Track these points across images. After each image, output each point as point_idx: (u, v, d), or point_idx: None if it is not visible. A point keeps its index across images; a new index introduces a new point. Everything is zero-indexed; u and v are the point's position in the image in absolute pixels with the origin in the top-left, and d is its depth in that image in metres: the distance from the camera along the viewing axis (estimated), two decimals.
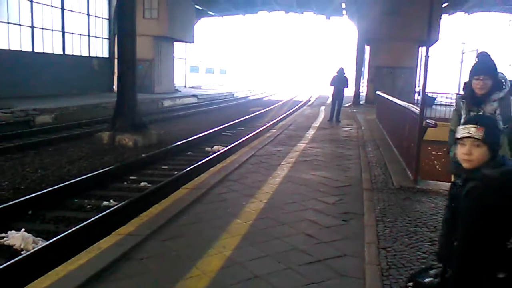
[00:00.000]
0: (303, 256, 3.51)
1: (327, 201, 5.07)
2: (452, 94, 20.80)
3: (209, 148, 10.82)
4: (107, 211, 5.52)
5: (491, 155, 1.69)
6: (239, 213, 4.52)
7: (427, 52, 6.14)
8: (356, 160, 7.66)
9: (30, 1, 19.43)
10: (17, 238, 4.67)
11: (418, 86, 22.77)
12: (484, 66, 3.32)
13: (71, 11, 22.60)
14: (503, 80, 3.33)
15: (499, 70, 3.42)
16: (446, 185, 5.33)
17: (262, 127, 14.61)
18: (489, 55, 3.36)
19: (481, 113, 3.28)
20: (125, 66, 11.43)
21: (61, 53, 21.92)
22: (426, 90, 6.22)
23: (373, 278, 3.13)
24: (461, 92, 3.80)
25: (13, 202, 5.69)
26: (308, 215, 4.54)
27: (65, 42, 22.15)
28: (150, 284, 3.04)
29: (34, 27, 19.82)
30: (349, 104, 21.36)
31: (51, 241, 4.56)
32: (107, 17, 25.81)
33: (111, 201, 6.24)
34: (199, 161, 8.76)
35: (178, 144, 10.78)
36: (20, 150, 9.54)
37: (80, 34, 23.47)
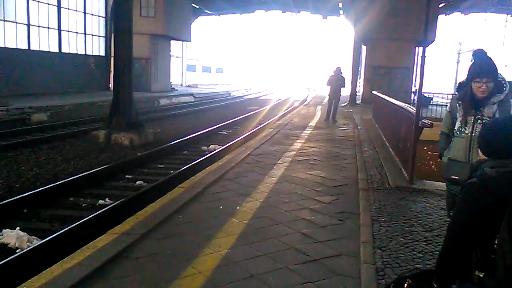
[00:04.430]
0: (299, 255, 3.52)
1: (323, 200, 5.08)
2: (448, 94, 20.85)
3: (205, 147, 10.81)
4: (102, 210, 5.50)
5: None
6: (235, 212, 4.52)
7: (423, 52, 6.16)
8: (352, 160, 7.68)
9: None
10: (12, 236, 4.65)
11: (415, 86, 22.83)
12: (487, 67, 2.97)
13: (68, 9, 22.52)
14: (503, 81, 3.03)
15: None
16: (442, 185, 5.35)
17: (258, 126, 14.61)
18: (486, 53, 3.00)
19: (478, 116, 3.01)
20: (121, 64, 11.40)
21: (57, 51, 21.83)
22: (423, 90, 6.24)
23: (368, 278, 3.14)
24: (456, 93, 3.37)
25: (8, 200, 5.67)
26: (304, 214, 4.54)
27: (61, 40, 22.06)
28: (146, 283, 3.03)
29: (30, 24, 19.73)
30: (346, 103, 21.40)
31: (46, 239, 4.54)
32: (104, 15, 25.73)
33: (107, 199, 6.23)
34: (195, 160, 8.75)
35: (174, 143, 10.76)
36: (15, 148, 9.50)
37: (77, 32, 23.39)
